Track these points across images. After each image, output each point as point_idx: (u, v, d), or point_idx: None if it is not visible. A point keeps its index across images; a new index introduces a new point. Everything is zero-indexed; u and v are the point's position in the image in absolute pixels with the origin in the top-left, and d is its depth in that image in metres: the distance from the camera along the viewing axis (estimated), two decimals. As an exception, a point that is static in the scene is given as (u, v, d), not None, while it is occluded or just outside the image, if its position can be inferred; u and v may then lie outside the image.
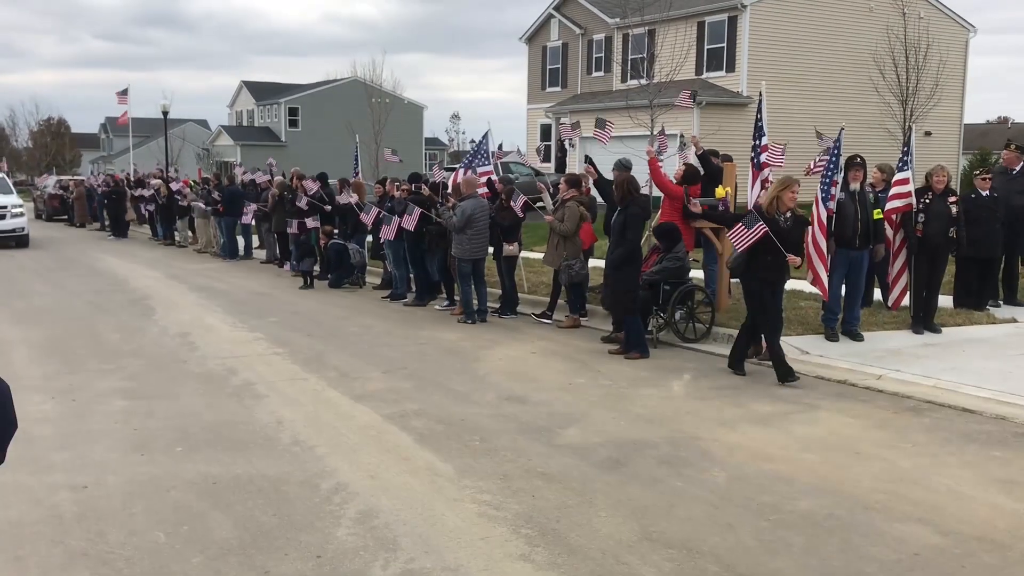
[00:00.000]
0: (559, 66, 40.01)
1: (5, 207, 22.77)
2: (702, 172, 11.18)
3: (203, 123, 74.75)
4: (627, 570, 4.33)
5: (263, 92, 66.44)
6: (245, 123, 67.30)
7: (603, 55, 36.86)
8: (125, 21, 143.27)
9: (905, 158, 10.07)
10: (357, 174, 16.48)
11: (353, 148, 15.77)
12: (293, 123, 62.04)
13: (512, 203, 11.53)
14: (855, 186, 9.51)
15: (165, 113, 38.81)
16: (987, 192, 10.65)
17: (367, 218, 13.83)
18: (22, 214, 23.20)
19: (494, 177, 13.01)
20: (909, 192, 9.82)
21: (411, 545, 4.59)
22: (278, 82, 69.41)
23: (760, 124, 10.31)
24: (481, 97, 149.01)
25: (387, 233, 12.91)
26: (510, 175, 18.83)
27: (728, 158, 11.47)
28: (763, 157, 10.26)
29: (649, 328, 9.91)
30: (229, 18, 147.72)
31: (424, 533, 4.74)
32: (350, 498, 5.24)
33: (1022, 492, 5.40)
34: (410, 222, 12.35)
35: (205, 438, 6.47)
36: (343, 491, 5.36)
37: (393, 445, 6.27)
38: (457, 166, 13.83)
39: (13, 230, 22.83)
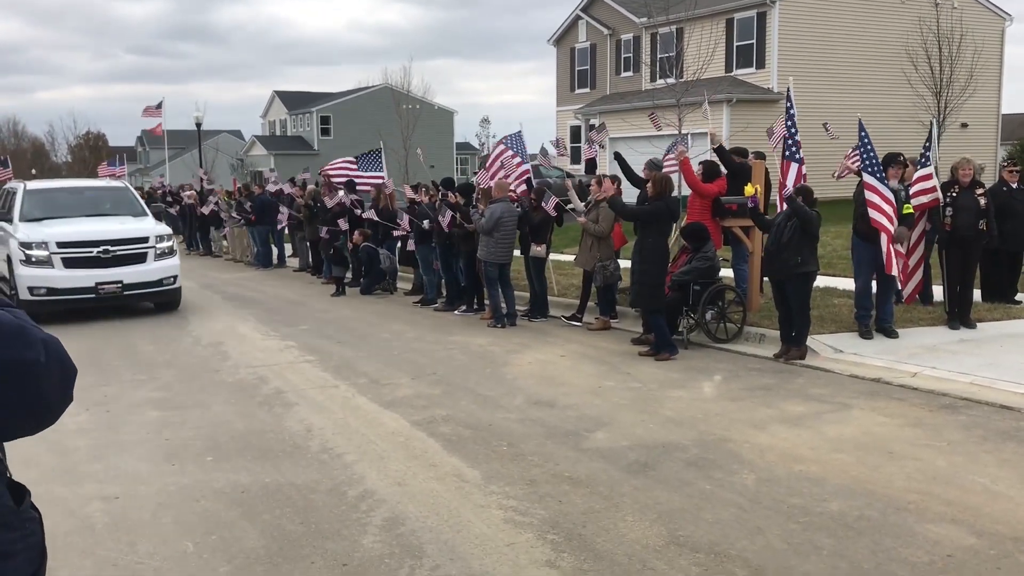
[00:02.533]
0: (587, 67, 39.95)
1: (143, 241, 12.91)
2: (723, 169, 11.07)
3: (237, 133, 75.59)
4: (653, 575, 4.29)
5: (295, 101, 67.05)
6: (278, 133, 67.95)
7: (632, 55, 36.75)
8: (155, 35, 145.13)
9: (927, 153, 9.91)
10: (383, 180, 16.45)
11: (377, 153, 15.83)
12: (325, 131, 62.53)
13: (543, 204, 11.51)
14: (894, 183, 9.37)
15: (199, 124, 39.26)
16: (1016, 184, 10.45)
17: (403, 224, 13.83)
18: (172, 251, 13.21)
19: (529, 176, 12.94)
20: (934, 187, 9.68)
21: (437, 552, 4.59)
22: (310, 91, 70.02)
23: (791, 118, 10.22)
24: (510, 100, 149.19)
25: (444, 224, 12.63)
26: (543, 177, 18.81)
27: (761, 155, 11.36)
28: (800, 153, 10.19)
29: (680, 329, 9.84)
30: (258, 29, 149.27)
31: (450, 540, 4.74)
32: (377, 505, 5.26)
33: (1060, 490, 5.28)
34: (443, 223, 12.35)
35: (235, 447, 6.52)
36: (370, 498, 5.37)
37: (421, 451, 6.28)
38: (492, 153, 13.68)
39: (160, 282, 12.86)
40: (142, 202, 15.19)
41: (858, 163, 9.45)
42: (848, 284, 10.94)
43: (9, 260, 12.72)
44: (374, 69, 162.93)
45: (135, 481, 5.84)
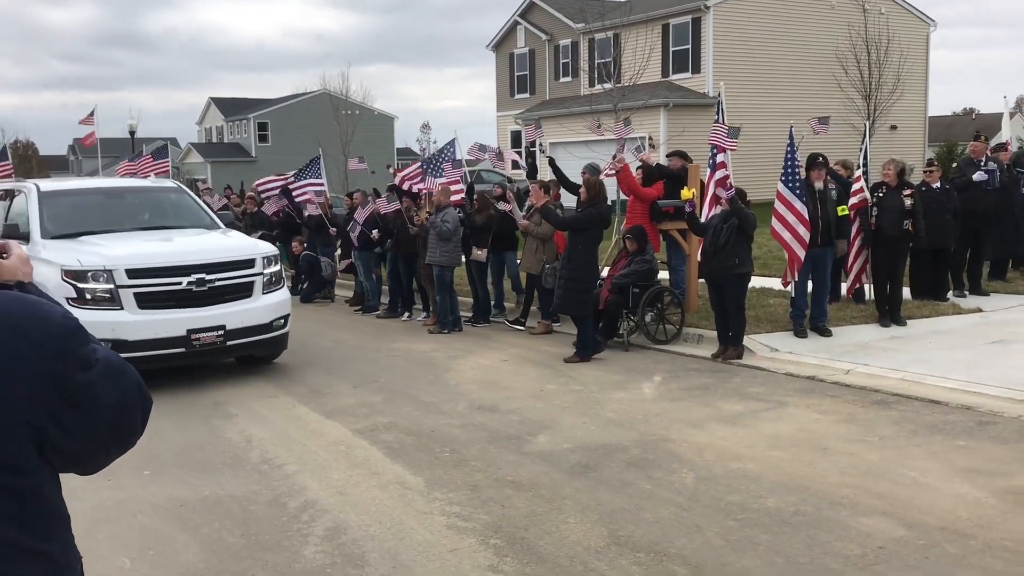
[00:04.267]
0: (527, 72, 40.13)
1: (249, 265, 9.06)
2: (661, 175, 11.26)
3: (172, 141, 74.22)
4: (595, 576, 4.34)
5: (231, 108, 66.12)
6: (215, 140, 66.95)
7: (570, 60, 37.02)
8: (85, 42, 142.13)
9: (861, 156, 10.21)
10: (322, 186, 16.19)
11: (316, 161, 15.69)
12: (263, 138, 61.76)
13: (510, 211, 11.44)
14: (819, 185, 9.61)
15: (132, 132, 38.51)
16: (937, 184, 10.78)
17: (353, 236, 13.65)
18: (281, 278, 9.52)
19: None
20: (862, 188, 9.98)
21: (379, 560, 4.58)
22: (246, 97, 69.07)
23: (720, 122, 10.40)
24: (450, 106, 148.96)
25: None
26: (484, 181, 18.83)
27: (685, 155, 11.52)
28: (719, 157, 10.38)
29: (620, 331, 9.95)
30: (190, 35, 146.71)
31: (392, 548, 4.73)
32: (318, 515, 5.22)
33: (985, 481, 5.46)
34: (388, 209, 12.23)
35: (174, 460, 6.42)
36: (311, 508, 5.34)
37: (363, 460, 6.26)
38: (413, 169, 13.59)
39: (270, 325, 9.10)
40: (209, 209, 10.84)
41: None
42: (780, 284, 11.14)
43: None
44: (311, 75, 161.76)
45: (69, 497, 5.64)
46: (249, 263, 8.96)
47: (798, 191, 9.33)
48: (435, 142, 30.46)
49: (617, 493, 5.45)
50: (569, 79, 36.99)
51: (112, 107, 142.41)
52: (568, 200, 11.40)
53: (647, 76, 24.99)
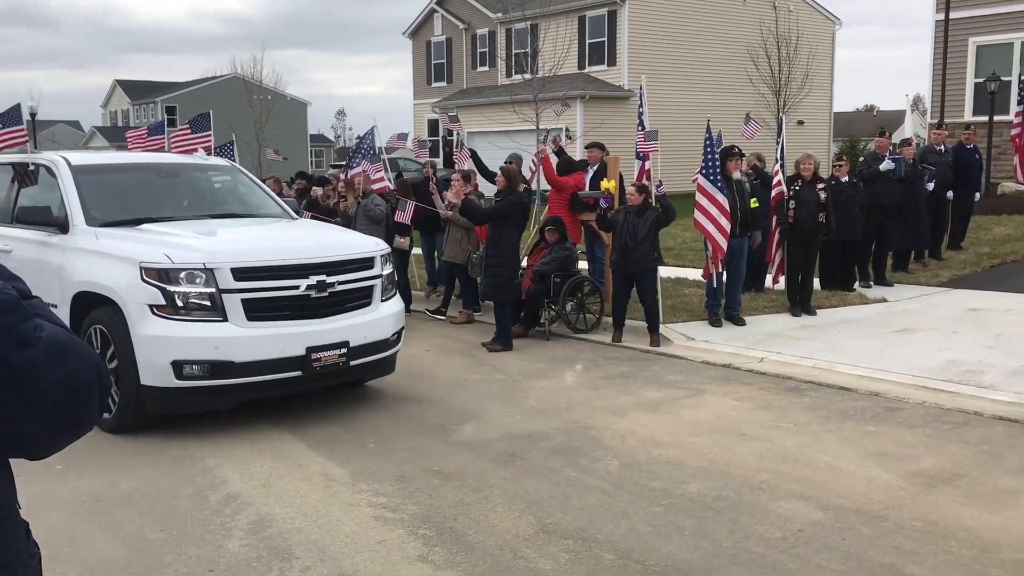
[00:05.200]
0: (444, 61, 39.97)
1: (368, 265, 7.21)
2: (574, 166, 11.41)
3: (75, 124, 71.59)
4: (524, 564, 4.38)
5: (138, 91, 64.10)
6: (120, 123, 64.77)
7: (487, 50, 37.00)
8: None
9: (778, 150, 10.49)
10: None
11: (230, 146, 15.32)
12: (171, 122, 60.00)
13: (401, 212, 11.38)
14: (737, 175, 9.85)
15: (33, 115, 36.97)
16: (845, 178, 11.16)
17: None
18: (393, 285, 7.71)
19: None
20: (779, 182, 10.27)
21: (306, 553, 4.52)
22: (154, 80, 67.16)
23: (642, 117, 10.53)
24: (366, 92, 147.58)
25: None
26: (402, 170, 18.68)
27: (603, 147, 11.65)
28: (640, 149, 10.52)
29: (542, 320, 10.03)
30: (91, 14, 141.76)
31: (319, 540, 4.68)
32: (242, 508, 5.13)
33: (894, 464, 5.70)
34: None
35: (88, 454, 6.20)
36: (234, 502, 5.23)
37: (286, 452, 6.16)
38: (342, 163, 13.37)
39: (388, 341, 7.30)
40: (270, 192, 9.00)
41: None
42: (698, 275, 11.38)
43: (80, 313, 6.77)
44: (222, 58, 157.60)
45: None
46: (368, 263, 7.15)
47: (719, 183, 9.54)
48: (351, 129, 30.07)
49: (544, 481, 5.50)
50: (487, 68, 36.99)
51: (7, 87, 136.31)
52: (488, 188, 11.39)
53: (565, 68, 25.13)
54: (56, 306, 6.74)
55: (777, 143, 11.10)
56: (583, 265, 11.17)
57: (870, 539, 4.58)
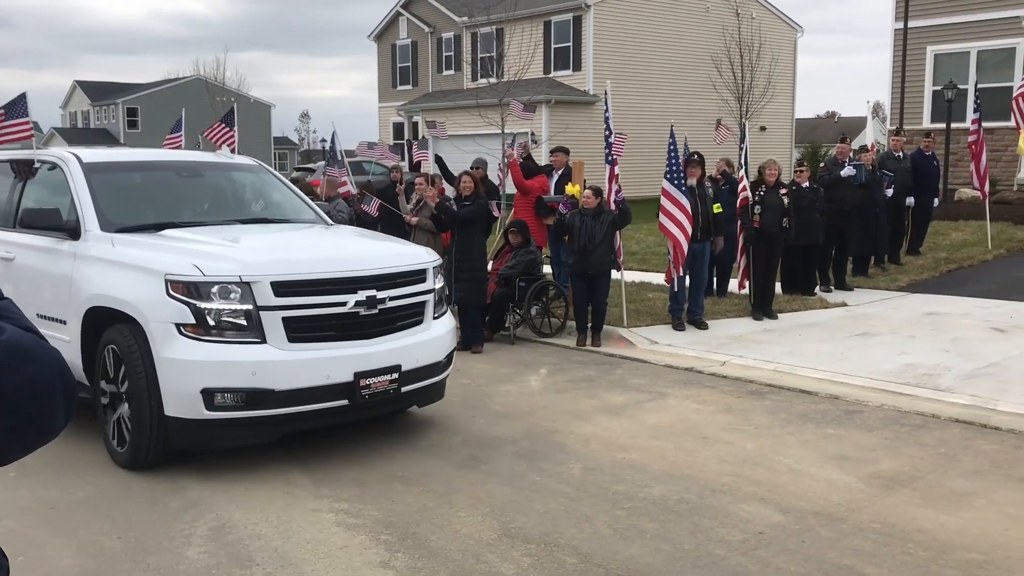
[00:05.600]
0: (409, 64, 39.86)
1: (419, 278, 6.39)
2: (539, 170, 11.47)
3: (34, 126, 70.44)
4: (487, 568, 4.37)
5: (99, 92, 63.21)
6: (80, 125, 63.89)
7: (453, 54, 36.98)
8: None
9: (741, 156, 10.60)
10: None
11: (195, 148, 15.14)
12: (132, 124, 59.38)
13: (364, 207, 11.35)
14: (692, 181, 9.93)
15: (-12, 115, 36.30)
16: (806, 184, 11.30)
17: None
18: (444, 300, 6.93)
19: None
20: (744, 187, 10.37)
21: (267, 560, 4.48)
22: (115, 81, 66.25)
23: (609, 122, 10.58)
24: (330, 95, 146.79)
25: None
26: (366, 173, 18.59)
27: (565, 150, 11.70)
28: (612, 156, 10.56)
29: (507, 324, 10.03)
30: (49, 14, 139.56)
31: (280, 547, 4.63)
32: (201, 515, 5.06)
33: (853, 467, 5.77)
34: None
35: (41, 460, 6.09)
36: (194, 508, 5.17)
37: (246, 457, 6.09)
38: (306, 166, 13.23)
39: (441, 364, 6.55)
40: (302, 194, 8.11)
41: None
42: (662, 279, 11.45)
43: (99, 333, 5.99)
44: (184, 60, 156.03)
45: (-74, 503, 5.35)
46: (420, 275, 6.34)
47: (683, 188, 9.61)
48: (315, 132, 29.90)
49: (507, 485, 5.49)
50: (452, 72, 36.95)
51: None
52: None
53: (530, 72, 25.16)
54: (65, 322, 6.19)
55: (740, 149, 11.20)
56: (548, 269, 11.20)
57: (829, 541, 4.63)
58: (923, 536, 4.68)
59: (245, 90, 48.25)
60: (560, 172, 11.37)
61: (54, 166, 6.92)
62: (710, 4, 32.21)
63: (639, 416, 7.00)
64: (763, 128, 32.33)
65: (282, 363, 5.51)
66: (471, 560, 4.46)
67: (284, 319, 5.55)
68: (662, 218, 9.74)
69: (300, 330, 5.63)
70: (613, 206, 9.74)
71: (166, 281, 5.48)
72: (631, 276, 12.32)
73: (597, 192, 9.63)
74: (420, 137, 14.09)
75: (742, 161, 10.83)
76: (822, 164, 15.07)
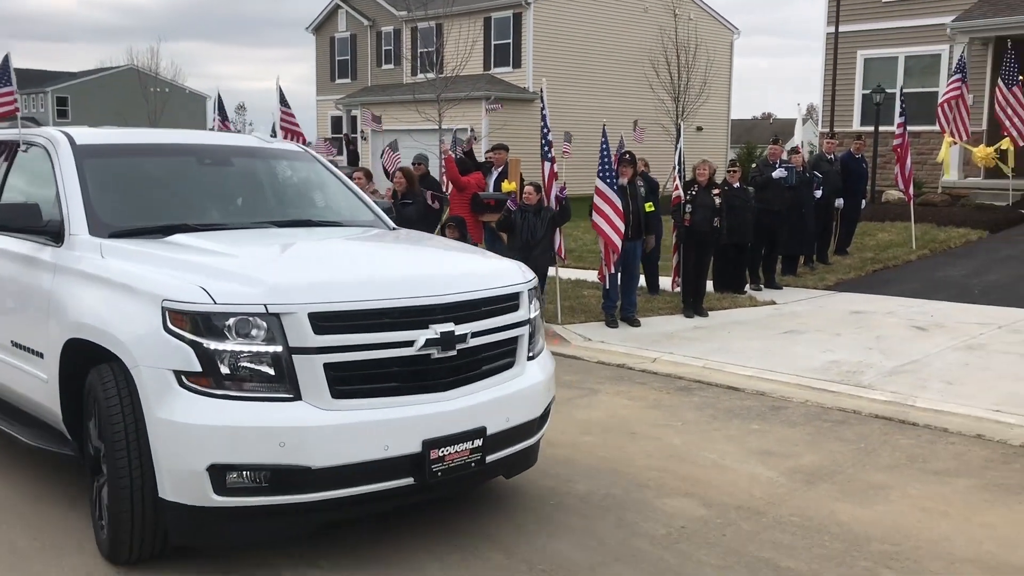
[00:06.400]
0: (348, 58, 39.53)
1: (512, 305, 4.74)
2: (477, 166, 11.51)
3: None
4: (412, 563, 4.36)
5: (26, 80, 61.27)
6: (5, 113, 61.98)
7: (392, 48, 36.77)
8: None
9: (676, 155, 10.75)
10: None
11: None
12: (62, 113, 57.85)
13: None
14: (624, 180, 10.05)
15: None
16: (737, 184, 11.51)
17: None
18: (540, 339, 5.22)
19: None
20: (677, 186, 10.52)
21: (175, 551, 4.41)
22: (44, 69, 64.36)
23: (545, 119, 10.64)
24: (267, 87, 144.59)
25: None
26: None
27: (505, 147, 11.74)
28: (552, 152, 10.63)
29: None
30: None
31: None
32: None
33: (776, 461, 5.90)
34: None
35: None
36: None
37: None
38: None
39: (538, 420, 4.89)
40: (357, 189, 6.45)
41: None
42: (596, 276, 11.56)
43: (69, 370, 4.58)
44: (117, 49, 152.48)
45: None
46: (512, 301, 4.74)
47: (615, 187, 9.71)
48: (251, 124, 29.47)
49: (435, 482, 5.48)
50: (392, 66, 36.75)
51: None
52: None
53: (469, 68, 25.17)
54: (42, 355, 4.76)
55: (676, 148, 11.36)
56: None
57: (750, 534, 4.73)
58: (840, 529, 4.81)
59: (180, 81, 47.33)
60: (499, 170, 11.39)
61: (40, 149, 5.48)
62: (648, 4, 32.55)
63: (569, 412, 7.04)
64: (699, 128, 32.80)
65: (324, 429, 3.95)
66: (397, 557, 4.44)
67: (327, 366, 3.98)
68: (595, 216, 9.84)
69: (349, 381, 4.06)
70: (555, 203, 9.81)
71: (163, 310, 3.98)
72: (567, 273, 12.41)
73: (538, 188, 9.69)
74: (393, 141, 13.76)
75: (676, 161, 10.98)
76: (754, 165, 15.34)
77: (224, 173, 5.94)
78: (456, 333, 4.29)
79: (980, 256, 14.48)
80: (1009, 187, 18.84)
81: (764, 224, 11.92)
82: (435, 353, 4.23)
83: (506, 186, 10.57)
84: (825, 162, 13.95)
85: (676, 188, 10.61)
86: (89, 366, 4.37)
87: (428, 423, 4.19)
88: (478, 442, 4.37)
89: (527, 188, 9.77)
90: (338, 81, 39.74)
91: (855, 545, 4.61)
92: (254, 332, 3.95)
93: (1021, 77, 17.57)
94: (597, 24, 32.69)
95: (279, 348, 3.95)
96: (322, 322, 3.99)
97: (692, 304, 10.60)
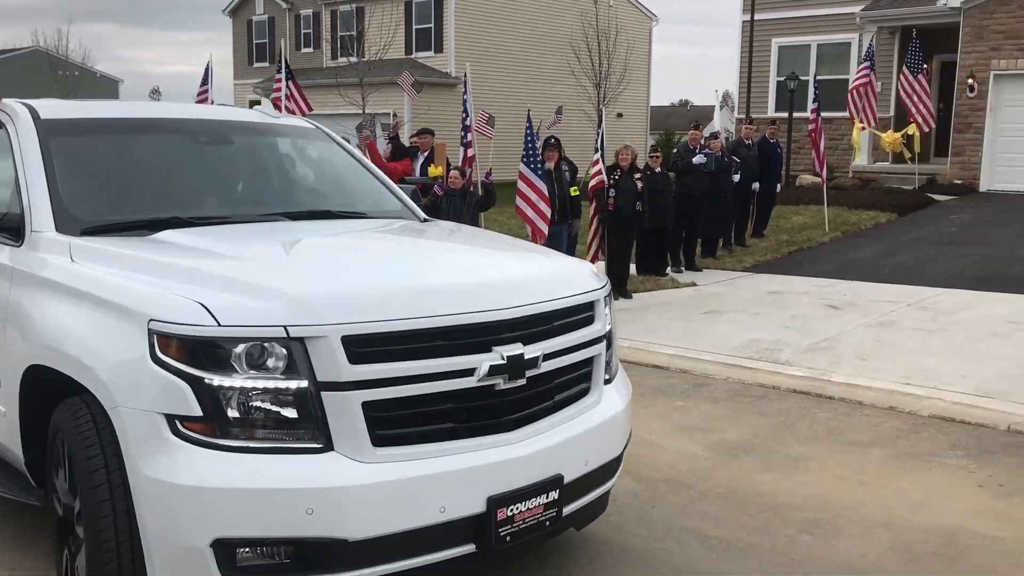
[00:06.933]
0: (266, 41, 38.81)
1: (587, 318, 3.81)
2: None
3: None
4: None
5: (-79, 61, 58.55)
6: (-100, 96, 59.05)
7: (312, 31, 36.24)
8: None
9: (600, 140, 10.91)
10: None
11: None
12: (-43, 97, 55.28)
13: None
14: (550, 165, 10.18)
15: None
16: (659, 169, 11.75)
17: None
18: (615, 358, 4.20)
19: None
20: (600, 171, 10.69)
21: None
22: (-60, 50, 61.50)
23: (466, 105, 10.68)
24: (183, 71, 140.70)
25: None
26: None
27: (430, 132, 11.77)
28: (469, 137, 10.68)
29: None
30: None
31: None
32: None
33: (700, 436, 6.10)
34: None
35: None
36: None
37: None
38: None
39: (613, 463, 4.00)
40: (378, 172, 5.46)
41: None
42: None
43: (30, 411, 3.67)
44: (22, 30, 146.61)
45: None
46: (586, 312, 3.84)
47: (539, 172, 9.82)
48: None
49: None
50: (311, 50, 36.23)
51: None
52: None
53: (392, 53, 24.97)
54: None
55: (597, 134, 11.51)
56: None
57: (677, 506, 4.90)
58: (763, 499, 5.02)
59: (91, 63, 45.78)
60: (425, 154, 11.40)
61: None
62: (569, -10, 32.77)
63: (500, 394, 7.14)
64: (620, 115, 33.19)
65: (363, 489, 3.03)
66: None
67: (367, 405, 3.06)
68: (519, 201, 9.94)
69: (394, 424, 3.14)
70: (480, 188, 9.89)
71: (151, 333, 3.04)
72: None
73: (463, 172, 9.75)
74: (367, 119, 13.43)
75: (597, 145, 11.15)
76: (675, 150, 15.65)
77: (222, 154, 4.98)
78: (526, 357, 3.36)
79: (889, 238, 15.06)
80: (916, 171, 19.63)
81: (684, 208, 12.19)
82: (500, 383, 3.31)
83: (432, 171, 10.59)
84: (743, 147, 14.32)
85: (599, 173, 10.77)
86: (58, 399, 3.42)
87: (493, 474, 3.27)
88: (554, 494, 3.46)
89: (452, 172, 9.83)
90: (256, 65, 39.02)
91: (778, 514, 4.82)
92: (271, 363, 3.03)
93: (926, 65, 18.29)
94: (519, 9, 32.78)
95: (304, 383, 3.02)
96: (360, 347, 3.05)
97: (616, 287, 10.80)
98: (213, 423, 2.99)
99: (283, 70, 11.74)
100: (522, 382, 3.37)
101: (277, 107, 10.99)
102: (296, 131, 5.43)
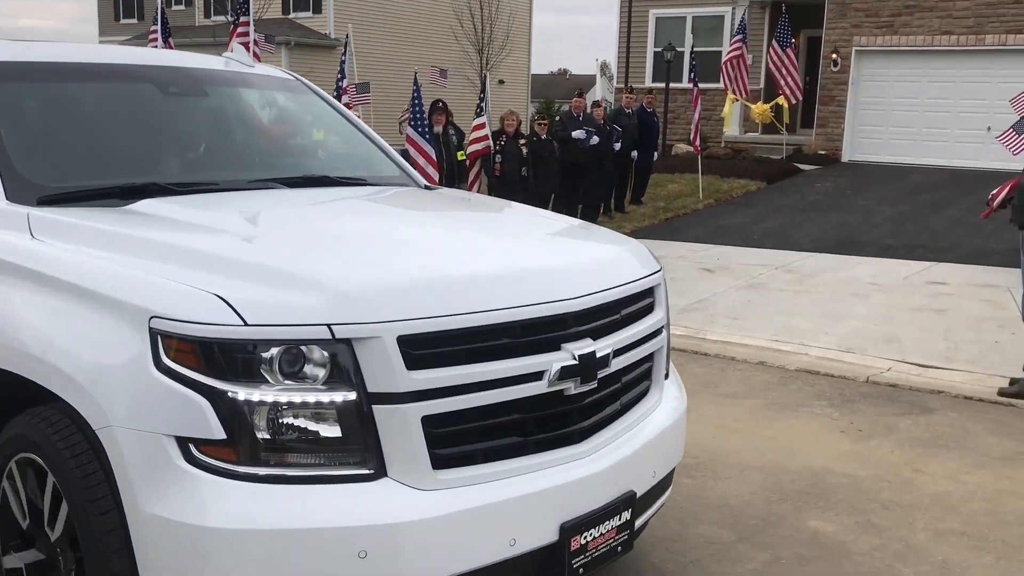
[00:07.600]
0: (133, -4, 37.10)
1: (647, 307, 3.29)
2: None
3: None
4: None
5: None
6: None
7: (183, -13, 34.86)
8: None
9: (481, 104, 11.03)
10: None
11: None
12: None
13: None
14: (438, 128, 10.26)
15: None
16: (544, 135, 11.99)
17: None
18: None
19: None
20: (486, 135, 10.83)
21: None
22: None
23: (344, 67, 10.61)
24: (38, 26, 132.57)
25: None
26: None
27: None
28: (345, 99, 10.62)
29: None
30: None
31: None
32: None
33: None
34: None
35: None
36: None
37: None
38: None
39: (668, 479, 3.47)
40: (370, 132, 4.67)
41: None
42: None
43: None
44: None
45: None
46: (647, 300, 3.33)
47: (427, 135, 9.88)
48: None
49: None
50: (183, 7, 34.84)
51: None
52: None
53: (269, 12, 24.30)
54: None
55: (480, 99, 11.64)
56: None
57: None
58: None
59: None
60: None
61: None
62: (450, -46, 32.54)
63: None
64: (501, 82, 33.31)
65: (425, 525, 2.47)
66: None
67: (426, 420, 2.51)
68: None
69: (455, 441, 2.60)
70: None
71: (154, 334, 2.41)
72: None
73: None
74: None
75: (481, 108, 11.28)
76: (557, 118, 15.92)
77: (197, 107, 4.17)
78: (597, 355, 2.82)
79: (759, 205, 15.77)
80: (784, 142, 20.52)
81: (567, 175, 12.47)
82: (571, 387, 2.76)
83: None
84: (624, 116, 14.69)
85: (485, 138, 10.90)
86: (11, 410, 2.75)
87: (566, 496, 2.74)
88: (626, 515, 2.95)
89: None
90: (123, 21, 37.27)
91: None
92: (310, 370, 2.44)
93: (794, 40, 19.10)
94: (399, -28, 32.34)
95: (352, 395, 2.44)
96: (419, 349, 2.48)
97: (502, 251, 11.00)
98: (238, 447, 2.36)
99: (159, 20, 11.13)
100: (593, 384, 2.82)
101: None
102: (275, 83, 4.63)
